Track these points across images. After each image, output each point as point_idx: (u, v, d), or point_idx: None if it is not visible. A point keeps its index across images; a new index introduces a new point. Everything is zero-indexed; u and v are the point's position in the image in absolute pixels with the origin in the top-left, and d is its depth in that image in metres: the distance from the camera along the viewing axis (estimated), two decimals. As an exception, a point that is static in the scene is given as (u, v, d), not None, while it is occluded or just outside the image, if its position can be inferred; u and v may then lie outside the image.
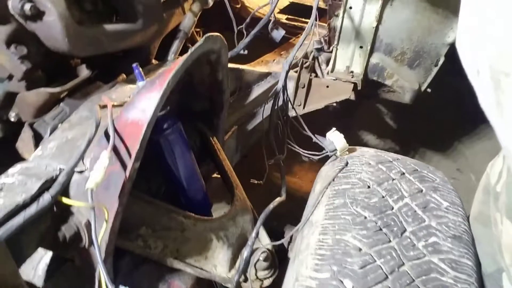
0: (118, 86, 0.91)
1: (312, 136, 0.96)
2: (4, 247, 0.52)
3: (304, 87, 1.56)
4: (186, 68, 0.66)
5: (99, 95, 0.84)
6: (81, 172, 0.63)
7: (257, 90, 1.45)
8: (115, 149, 0.58)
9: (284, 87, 1.06)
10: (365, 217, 0.66)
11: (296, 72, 1.53)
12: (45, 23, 0.73)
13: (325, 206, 0.71)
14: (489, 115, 0.47)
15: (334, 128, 0.88)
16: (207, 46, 0.70)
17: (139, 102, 0.61)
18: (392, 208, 0.68)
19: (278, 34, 1.20)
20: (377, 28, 1.46)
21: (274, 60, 1.71)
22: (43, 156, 0.66)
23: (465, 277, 0.59)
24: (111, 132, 0.59)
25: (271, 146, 1.03)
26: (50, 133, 0.77)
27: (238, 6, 1.97)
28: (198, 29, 1.64)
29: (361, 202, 0.69)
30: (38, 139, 0.78)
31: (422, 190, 0.73)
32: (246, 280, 0.79)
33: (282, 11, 2.36)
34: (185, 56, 0.65)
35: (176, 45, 1.13)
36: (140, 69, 0.76)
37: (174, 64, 0.63)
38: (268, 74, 1.52)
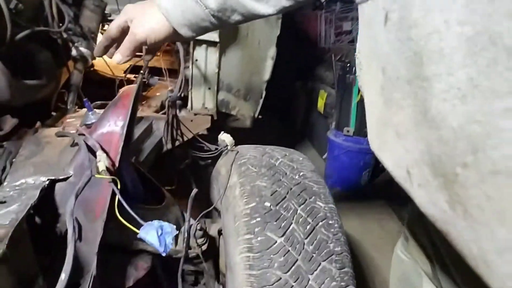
0: (41, 129, 1.07)
1: (205, 143, 1.31)
2: (26, 233, 0.67)
3: (172, 123, 1.90)
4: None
5: (35, 136, 0.98)
6: (65, 179, 0.80)
7: (136, 132, 1.71)
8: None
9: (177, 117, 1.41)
10: (263, 172, 1.05)
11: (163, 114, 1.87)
12: (-11, 79, 0.88)
13: (236, 173, 1.07)
14: (439, 221, 0.41)
15: (222, 132, 1.25)
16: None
17: (109, 118, 0.84)
18: (275, 164, 1.10)
19: (154, 80, 1.52)
20: (218, 73, 1.96)
21: (139, 109, 2.00)
22: (24, 175, 0.80)
23: (322, 187, 1.05)
24: (93, 141, 0.80)
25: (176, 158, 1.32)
26: (3, 169, 0.88)
27: (91, 69, 2.19)
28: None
29: (257, 165, 1.08)
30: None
31: (286, 154, 1.18)
32: (190, 248, 1.06)
33: (125, 72, 2.68)
34: (134, 86, 0.92)
35: (72, 96, 1.33)
36: (89, 102, 0.97)
37: (127, 91, 0.90)
38: (141, 119, 1.80)
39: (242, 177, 1.05)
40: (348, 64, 3.67)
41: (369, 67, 0.49)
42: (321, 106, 4.23)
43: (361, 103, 3.47)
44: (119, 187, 0.73)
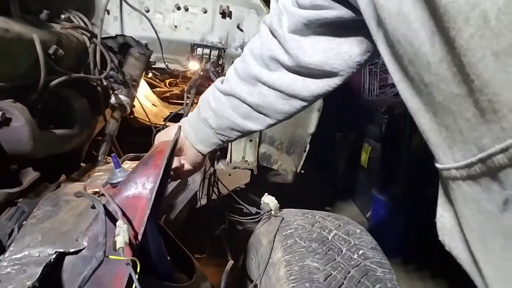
0: (64, 185, 0.96)
1: (245, 205, 1.15)
2: None
3: (209, 177, 1.77)
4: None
5: (55, 193, 0.87)
6: (77, 252, 0.67)
7: (170, 186, 1.59)
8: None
9: (215, 171, 1.27)
10: (314, 247, 0.87)
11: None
12: (12, 129, 0.79)
13: (281, 247, 0.88)
14: None
15: (266, 193, 1.09)
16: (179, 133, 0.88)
17: (136, 180, 0.71)
18: (328, 238, 0.91)
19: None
20: (260, 124, 1.84)
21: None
22: (30, 245, 0.67)
23: (388, 271, 0.84)
24: (114, 207, 0.67)
25: (211, 220, 1.17)
26: (10, 233, 0.77)
27: (132, 116, 2.15)
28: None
29: (307, 238, 0.90)
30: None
31: (340, 225, 0.99)
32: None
33: (165, 120, 2.64)
34: (170, 140, 0.80)
35: (104, 147, 1.23)
36: (118, 158, 0.86)
37: (162, 147, 0.78)
38: (176, 170, 1.69)
39: (288, 253, 0.87)
40: (396, 119, 3.48)
41: (483, 242, 0.40)
42: (365, 160, 4.00)
43: (410, 160, 3.21)
44: (138, 269, 0.58)
